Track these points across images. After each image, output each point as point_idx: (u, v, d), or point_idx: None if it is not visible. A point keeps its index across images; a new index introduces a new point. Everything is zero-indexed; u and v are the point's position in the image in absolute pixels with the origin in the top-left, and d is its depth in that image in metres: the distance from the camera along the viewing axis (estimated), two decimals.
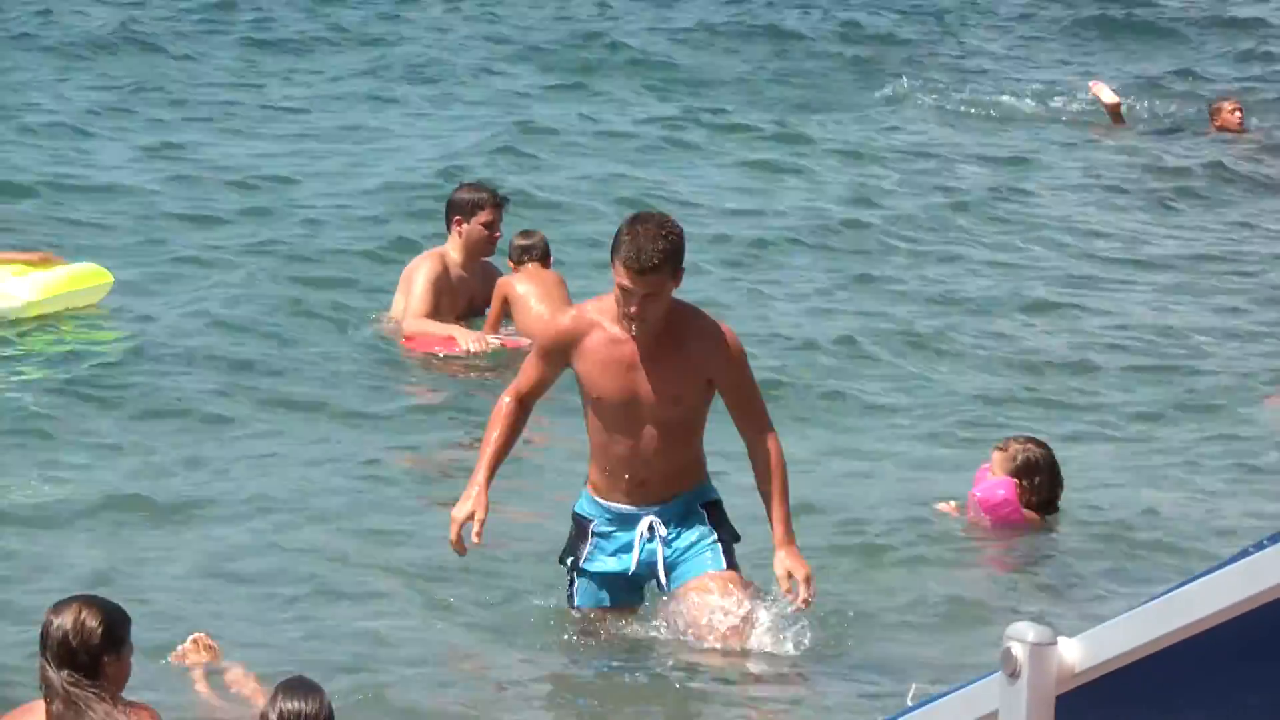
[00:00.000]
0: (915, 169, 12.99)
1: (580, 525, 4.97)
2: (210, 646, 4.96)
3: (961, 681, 1.50)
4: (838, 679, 5.10)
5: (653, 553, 4.86)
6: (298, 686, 4.31)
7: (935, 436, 7.62)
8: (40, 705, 3.94)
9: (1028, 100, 15.20)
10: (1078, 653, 1.35)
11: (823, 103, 15.18)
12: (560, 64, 16.15)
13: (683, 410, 4.86)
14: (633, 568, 4.87)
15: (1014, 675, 1.39)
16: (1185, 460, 7.43)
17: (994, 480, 6.20)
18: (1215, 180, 12.80)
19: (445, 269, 7.80)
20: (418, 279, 7.77)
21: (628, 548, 4.86)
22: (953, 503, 6.41)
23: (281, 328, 8.46)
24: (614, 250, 4.76)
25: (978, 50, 17.90)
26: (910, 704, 1.62)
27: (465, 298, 7.93)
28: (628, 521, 4.85)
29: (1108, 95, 13.83)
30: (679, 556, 4.86)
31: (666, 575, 4.86)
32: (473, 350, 7.65)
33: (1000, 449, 6.30)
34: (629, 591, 5.02)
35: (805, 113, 14.58)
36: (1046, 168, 13.25)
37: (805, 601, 4.84)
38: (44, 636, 3.94)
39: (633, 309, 4.69)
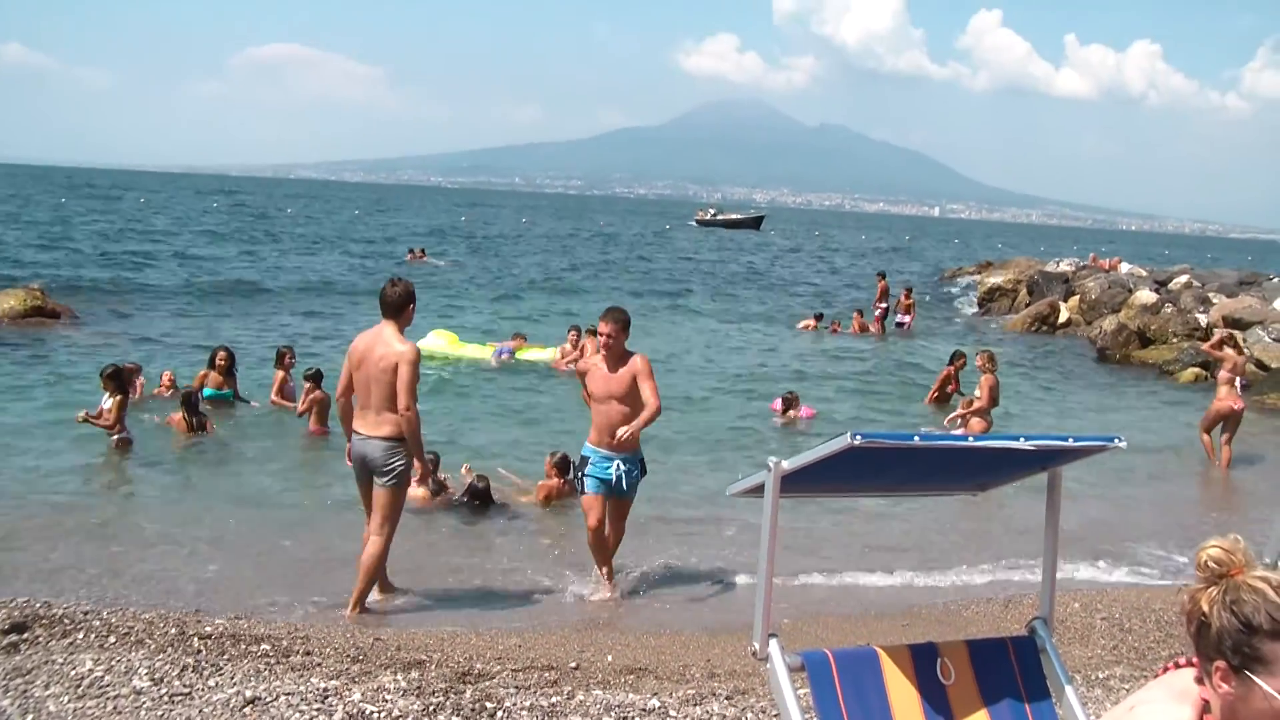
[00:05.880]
0: None
1: (584, 457, 10.21)
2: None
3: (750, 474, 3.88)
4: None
5: (618, 476, 10.03)
6: None
7: None
8: None
9: None
10: (787, 465, 3.70)
11: None
12: None
13: (630, 396, 9.90)
14: (614, 482, 10.04)
15: (769, 470, 3.76)
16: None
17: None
18: None
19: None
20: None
21: (609, 471, 10.02)
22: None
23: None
24: (599, 319, 9.98)
25: None
26: None
27: None
28: (608, 460, 10.04)
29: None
30: (623, 481, 10.07)
31: (618, 488, 10.10)
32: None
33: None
34: (606, 490, 10.11)
35: None
36: None
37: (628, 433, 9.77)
38: None
39: (604, 342, 9.93)
